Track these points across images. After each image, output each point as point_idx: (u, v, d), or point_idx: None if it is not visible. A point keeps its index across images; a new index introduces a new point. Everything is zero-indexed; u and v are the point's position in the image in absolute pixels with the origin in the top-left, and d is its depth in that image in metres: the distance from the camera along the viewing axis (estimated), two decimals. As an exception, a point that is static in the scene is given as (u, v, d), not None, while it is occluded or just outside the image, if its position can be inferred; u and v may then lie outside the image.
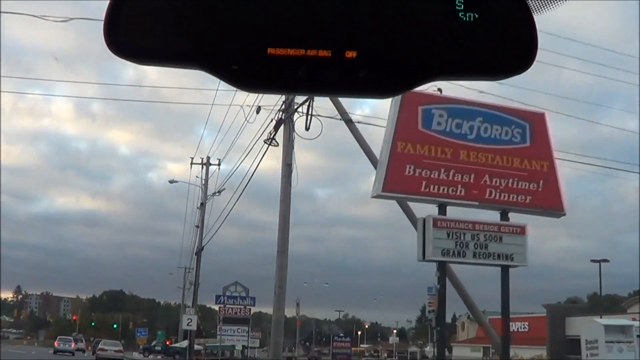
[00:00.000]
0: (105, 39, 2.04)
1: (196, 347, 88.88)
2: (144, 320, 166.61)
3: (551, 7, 2.25)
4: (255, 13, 2.05)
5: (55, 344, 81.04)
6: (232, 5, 2.05)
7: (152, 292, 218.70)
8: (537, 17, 2.17)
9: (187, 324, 62.52)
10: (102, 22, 2.05)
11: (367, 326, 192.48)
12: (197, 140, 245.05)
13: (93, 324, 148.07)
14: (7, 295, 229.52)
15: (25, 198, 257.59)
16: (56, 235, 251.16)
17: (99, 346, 72.61)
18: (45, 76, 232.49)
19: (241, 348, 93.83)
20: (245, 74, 2.09)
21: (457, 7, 2.08)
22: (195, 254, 62.91)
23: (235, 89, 2.20)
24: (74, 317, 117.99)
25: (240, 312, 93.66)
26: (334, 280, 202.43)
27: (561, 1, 2.26)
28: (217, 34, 2.04)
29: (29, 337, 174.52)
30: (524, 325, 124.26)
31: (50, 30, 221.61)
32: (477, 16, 2.08)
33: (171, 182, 65.96)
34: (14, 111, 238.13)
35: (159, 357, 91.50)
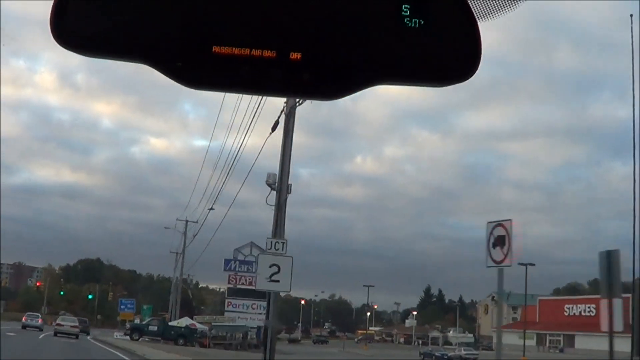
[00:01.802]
0: (51, 30, 2.04)
1: (198, 326, 66.78)
2: (124, 293, 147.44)
3: (497, 14, 2.21)
4: (202, 11, 2.07)
5: (23, 319, 79.35)
6: (179, 1, 2.07)
7: (133, 264, 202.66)
8: (484, 24, 2.19)
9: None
10: (49, 14, 2.04)
11: (376, 307, 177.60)
12: (182, 115, 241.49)
13: (62, 293, 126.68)
14: None
15: (3, 168, 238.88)
16: (35, 207, 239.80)
17: (57, 321, 70.14)
18: (29, 44, 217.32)
19: (256, 329, 72.92)
20: (190, 71, 2.11)
21: (403, 13, 2.11)
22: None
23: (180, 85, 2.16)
24: (37, 284, 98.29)
25: (255, 282, 68.79)
26: (316, 261, 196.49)
27: (506, 9, 2.22)
28: (163, 29, 2.07)
29: None
30: (589, 308, 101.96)
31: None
32: (422, 22, 2.11)
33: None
34: None
35: (156, 342, 65.34)
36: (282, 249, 18.78)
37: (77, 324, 68.79)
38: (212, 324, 67.85)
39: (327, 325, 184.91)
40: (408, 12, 2.10)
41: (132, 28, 2.06)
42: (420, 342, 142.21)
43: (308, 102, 21.26)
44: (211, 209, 50.80)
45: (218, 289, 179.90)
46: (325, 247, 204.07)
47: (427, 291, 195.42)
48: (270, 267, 17.63)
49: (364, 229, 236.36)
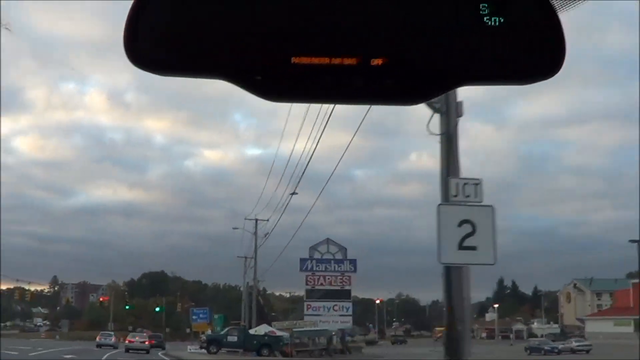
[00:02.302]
0: (125, 51, 2.05)
1: (277, 332, 60.86)
2: (192, 303, 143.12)
3: (573, 3, 2.28)
4: (279, 22, 2.05)
5: (98, 338, 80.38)
6: (255, 14, 2.05)
7: (198, 275, 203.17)
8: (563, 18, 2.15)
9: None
10: (122, 34, 2.05)
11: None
12: (233, 126, 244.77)
13: (127, 307, 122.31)
14: (44, 287, 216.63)
15: (62, 192, 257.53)
16: (95, 227, 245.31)
17: (128, 337, 71.52)
18: (77, 67, 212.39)
19: (339, 333, 66.91)
20: (270, 83, 2.08)
21: (481, 12, 2.08)
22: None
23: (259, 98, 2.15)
24: (100, 299, 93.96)
25: (335, 281, 63.47)
26: (379, 261, 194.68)
27: None
28: (240, 44, 2.05)
29: (47, 330, 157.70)
30: None
31: (80, 21, 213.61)
32: (502, 20, 2.09)
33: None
34: (47, 105, 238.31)
35: (234, 353, 59.54)
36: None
37: (147, 339, 70.77)
38: (293, 329, 61.81)
39: (395, 324, 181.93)
40: (487, 10, 2.06)
41: (208, 44, 2.03)
42: (500, 336, 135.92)
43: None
44: (294, 193, 44.70)
45: (287, 294, 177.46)
46: (385, 246, 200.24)
47: (501, 283, 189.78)
48: (459, 225, 10.93)
49: (422, 227, 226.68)
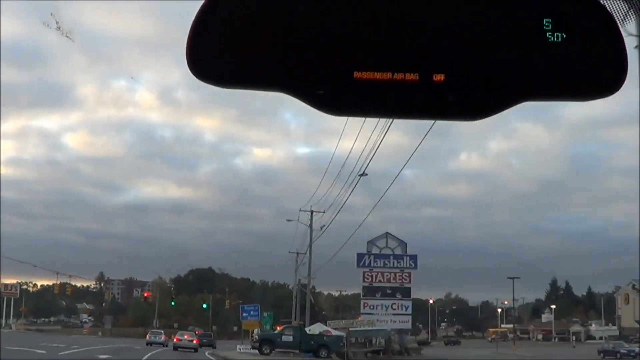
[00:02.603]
0: (188, 63, 2.09)
1: (333, 332, 57.21)
2: (240, 301, 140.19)
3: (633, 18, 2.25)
4: (342, 37, 2.08)
5: (148, 336, 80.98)
6: (318, 29, 2.08)
7: (245, 272, 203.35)
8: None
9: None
10: (185, 47, 2.10)
11: (506, 302, 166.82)
12: (283, 125, 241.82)
13: (173, 303, 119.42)
14: (90, 282, 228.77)
15: (111, 188, 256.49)
16: (143, 224, 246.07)
17: (176, 336, 71.83)
18: (128, 65, 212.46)
19: (397, 333, 63.11)
20: (332, 98, 2.10)
21: (544, 27, 2.09)
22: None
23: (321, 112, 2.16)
24: (145, 294, 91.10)
25: (395, 278, 59.71)
26: (428, 261, 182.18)
27: None
28: (303, 58, 2.07)
29: (90, 326, 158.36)
30: None
31: (131, 19, 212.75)
32: (565, 36, 2.09)
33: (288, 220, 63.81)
34: (98, 102, 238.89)
35: (287, 354, 55.14)
36: None
37: (196, 338, 71.32)
38: (350, 329, 58.11)
39: (443, 325, 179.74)
40: (550, 26, 2.07)
41: (271, 58, 2.06)
42: (557, 337, 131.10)
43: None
44: (363, 174, 40.73)
45: (336, 293, 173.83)
46: (433, 246, 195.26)
47: (554, 284, 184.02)
48: None
49: (471, 227, 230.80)
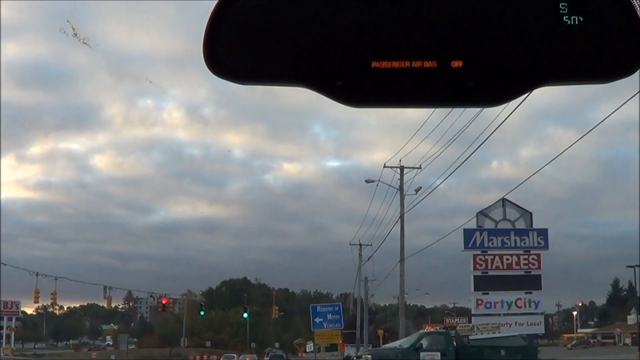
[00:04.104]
0: (205, 60, 2.10)
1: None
2: (282, 313, 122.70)
3: None
4: (358, 27, 2.08)
5: None
6: (334, 20, 2.08)
7: (284, 283, 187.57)
8: None
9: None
10: (202, 44, 2.10)
11: (579, 304, 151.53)
12: (312, 139, 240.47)
13: (202, 312, 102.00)
14: (119, 303, 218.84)
15: (141, 209, 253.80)
16: (175, 244, 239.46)
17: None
18: (155, 82, 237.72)
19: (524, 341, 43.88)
20: (350, 89, 2.11)
21: (561, 11, 2.09)
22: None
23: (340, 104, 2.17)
24: (163, 301, 73.74)
25: (518, 262, 44.92)
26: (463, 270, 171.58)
27: None
28: (320, 50, 2.08)
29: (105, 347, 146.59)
30: None
31: (156, 35, 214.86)
32: (581, 19, 2.09)
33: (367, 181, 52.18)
34: (125, 122, 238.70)
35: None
36: None
37: None
38: (470, 338, 39.24)
39: None
40: (566, 9, 2.06)
41: (288, 52, 2.06)
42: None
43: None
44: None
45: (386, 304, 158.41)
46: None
47: (615, 284, 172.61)
48: None
49: None
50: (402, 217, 43.65)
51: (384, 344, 60.85)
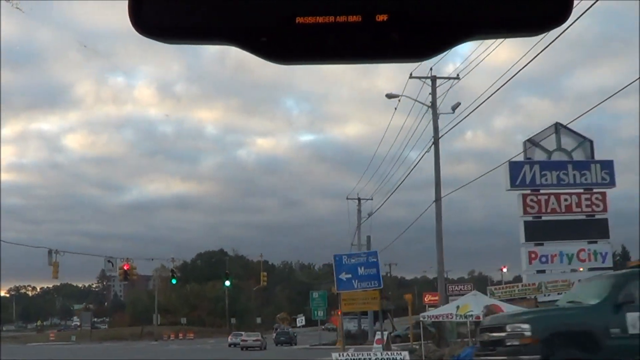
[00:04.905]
0: (130, 19, 2.06)
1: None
2: (263, 284, 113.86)
3: None
4: None
5: (242, 340, 76.01)
6: None
7: (263, 255, 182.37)
8: None
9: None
10: (127, 2, 2.08)
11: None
12: (286, 113, 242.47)
13: (174, 281, 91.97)
14: (92, 282, 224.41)
15: (114, 188, 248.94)
16: (148, 222, 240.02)
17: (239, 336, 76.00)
18: (125, 59, 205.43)
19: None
20: (276, 45, 2.09)
21: None
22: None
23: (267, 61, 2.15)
24: (124, 267, 63.78)
25: (579, 203, 35.64)
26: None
27: None
28: (244, 6, 2.06)
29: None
30: None
31: (124, 11, 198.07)
32: None
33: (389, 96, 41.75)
34: (96, 100, 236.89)
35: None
36: None
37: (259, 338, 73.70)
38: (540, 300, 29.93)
39: None
40: None
41: (213, 9, 2.03)
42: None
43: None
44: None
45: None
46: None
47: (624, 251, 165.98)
48: None
49: (478, 207, 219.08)
50: (436, 142, 34.04)
51: (413, 314, 50.95)
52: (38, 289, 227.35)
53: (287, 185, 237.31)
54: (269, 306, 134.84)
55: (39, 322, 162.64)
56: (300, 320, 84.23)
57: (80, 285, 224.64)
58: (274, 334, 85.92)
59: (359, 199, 68.28)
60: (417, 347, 35.85)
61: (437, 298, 76.67)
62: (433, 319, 32.40)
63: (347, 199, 70.45)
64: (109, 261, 57.08)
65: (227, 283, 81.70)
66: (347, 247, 69.12)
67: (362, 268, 30.26)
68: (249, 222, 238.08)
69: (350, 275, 30.26)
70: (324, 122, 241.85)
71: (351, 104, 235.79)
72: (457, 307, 28.87)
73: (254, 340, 73.45)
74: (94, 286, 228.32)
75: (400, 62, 2.16)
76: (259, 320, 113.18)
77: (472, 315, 27.14)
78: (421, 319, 33.52)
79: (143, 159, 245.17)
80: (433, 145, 34.16)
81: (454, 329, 38.05)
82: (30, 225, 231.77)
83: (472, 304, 28.17)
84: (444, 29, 2.04)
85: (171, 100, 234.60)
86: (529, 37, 2.12)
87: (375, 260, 30.78)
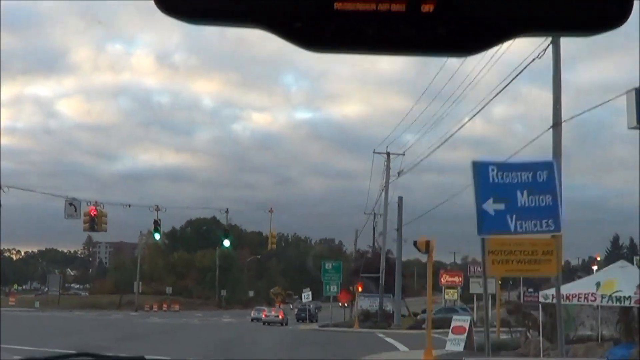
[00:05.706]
0: None
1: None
2: (257, 256, 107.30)
3: None
4: None
5: (263, 315, 77.38)
6: None
7: (257, 226, 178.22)
8: None
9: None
10: None
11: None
12: (284, 89, 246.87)
13: (156, 233, 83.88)
14: (77, 248, 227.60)
15: (108, 157, 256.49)
16: (140, 192, 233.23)
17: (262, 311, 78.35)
18: (125, 28, 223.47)
19: None
20: (310, 32, 1.91)
21: None
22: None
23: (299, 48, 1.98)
24: (90, 212, 54.06)
25: None
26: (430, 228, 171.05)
27: None
28: None
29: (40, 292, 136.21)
30: None
31: None
32: None
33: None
34: (93, 67, 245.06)
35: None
36: None
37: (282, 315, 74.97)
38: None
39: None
40: None
41: None
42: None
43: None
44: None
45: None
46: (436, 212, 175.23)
47: (615, 242, 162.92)
48: None
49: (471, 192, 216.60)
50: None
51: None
52: (22, 253, 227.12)
53: (281, 162, 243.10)
54: (262, 280, 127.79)
55: (15, 286, 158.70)
56: (307, 295, 75.14)
57: (65, 251, 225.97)
58: (296, 309, 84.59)
59: (388, 154, 63.04)
60: (522, 338, 26.49)
61: (456, 279, 68.09)
62: (567, 302, 21.24)
63: (374, 152, 64.95)
64: (70, 204, 45.94)
65: (227, 243, 61.07)
66: (349, 228, 61.47)
67: (528, 194, 17.45)
68: (241, 196, 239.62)
69: (503, 206, 17.42)
70: (322, 100, 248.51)
71: (350, 83, 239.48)
72: (598, 285, 19.33)
73: (275, 316, 74.83)
74: (79, 252, 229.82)
75: (443, 56, 1.98)
76: (251, 293, 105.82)
77: (625, 298, 17.73)
78: (541, 299, 23.10)
79: (138, 129, 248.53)
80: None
81: (571, 316, 26.82)
82: (21, 191, 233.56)
83: (620, 280, 18.57)
84: (492, 24, 1.86)
85: (169, 69, 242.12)
86: (584, 37, 1.96)
87: (551, 176, 17.85)
